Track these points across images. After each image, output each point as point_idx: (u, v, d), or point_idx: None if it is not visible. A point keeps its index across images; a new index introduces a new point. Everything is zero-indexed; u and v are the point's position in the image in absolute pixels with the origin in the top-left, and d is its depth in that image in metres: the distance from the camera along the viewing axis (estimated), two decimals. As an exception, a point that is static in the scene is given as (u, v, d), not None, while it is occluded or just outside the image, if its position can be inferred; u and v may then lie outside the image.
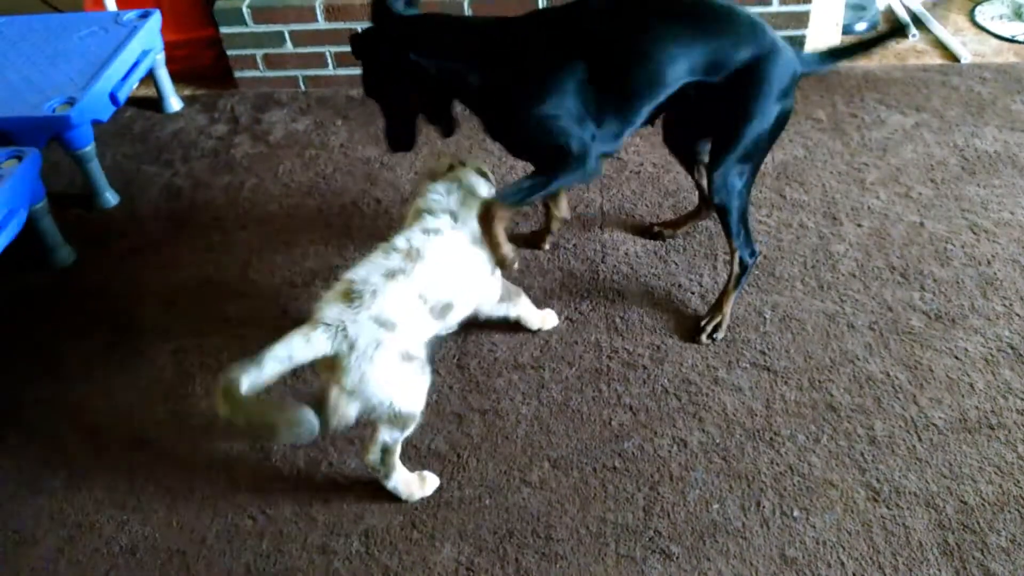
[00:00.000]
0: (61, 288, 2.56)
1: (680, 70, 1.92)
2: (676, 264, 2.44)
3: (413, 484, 1.93)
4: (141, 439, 2.12)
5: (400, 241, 1.86)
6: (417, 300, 1.81)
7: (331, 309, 1.72)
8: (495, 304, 2.13)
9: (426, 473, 1.96)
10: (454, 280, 1.91)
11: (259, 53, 3.27)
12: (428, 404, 2.08)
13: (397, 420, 1.77)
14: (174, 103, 3.29)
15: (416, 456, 2.01)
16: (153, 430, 2.14)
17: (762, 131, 2.00)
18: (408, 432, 1.82)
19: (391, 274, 1.79)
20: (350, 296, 1.73)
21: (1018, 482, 1.87)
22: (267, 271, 2.54)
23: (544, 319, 2.28)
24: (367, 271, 1.80)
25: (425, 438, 2.04)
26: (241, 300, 2.45)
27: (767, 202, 2.60)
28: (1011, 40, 3.29)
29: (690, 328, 2.24)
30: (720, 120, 2.02)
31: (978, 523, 1.81)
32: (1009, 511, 1.82)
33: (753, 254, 2.20)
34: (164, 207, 2.84)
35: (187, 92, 3.39)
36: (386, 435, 1.80)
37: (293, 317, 2.24)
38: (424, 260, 1.84)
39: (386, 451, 1.83)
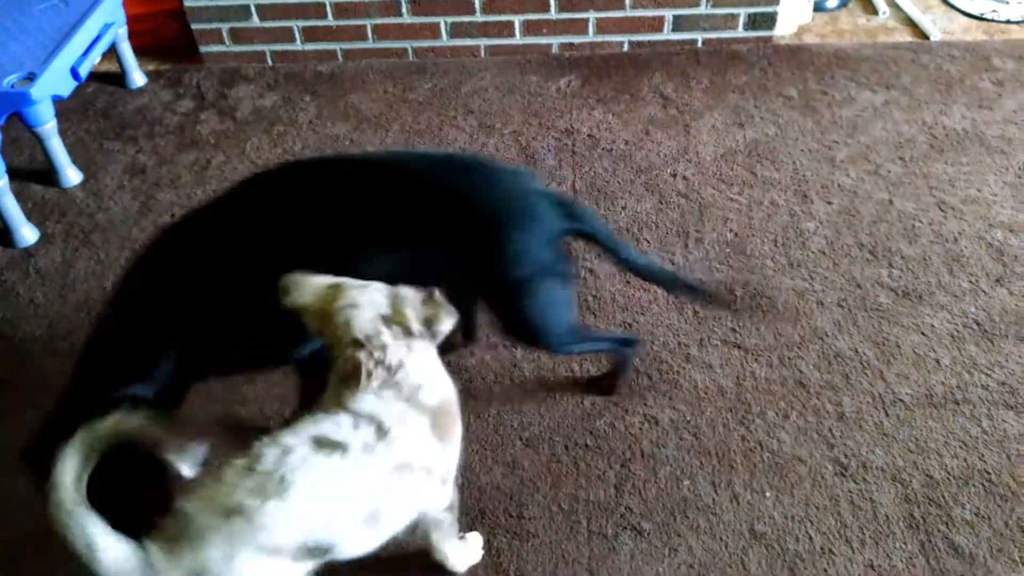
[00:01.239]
0: (23, 268, 2.50)
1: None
2: (648, 242, 2.44)
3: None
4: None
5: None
6: None
7: None
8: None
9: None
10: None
11: (225, 27, 3.20)
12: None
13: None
14: (137, 78, 3.21)
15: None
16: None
17: (533, 306, 1.73)
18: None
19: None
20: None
21: (982, 456, 1.90)
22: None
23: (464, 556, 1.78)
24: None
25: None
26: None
27: (738, 180, 2.60)
28: (980, 18, 3.31)
29: (664, 306, 2.25)
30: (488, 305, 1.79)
31: (943, 497, 1.84)
32: (973, 485, 1.86)
33: (628, 343, 2.01)
34: (128, 185, 2.78)
35: (151, 67, 3.31)
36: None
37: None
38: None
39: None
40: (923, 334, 2.15)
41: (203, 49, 3.27)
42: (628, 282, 2.31)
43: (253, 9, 3.15)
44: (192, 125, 3.01)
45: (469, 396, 2.08)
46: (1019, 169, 2.59)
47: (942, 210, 2.47)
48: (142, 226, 2.61)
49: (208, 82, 3.21)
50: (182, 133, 2.98)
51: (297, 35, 3.21)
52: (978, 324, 2.17)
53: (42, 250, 2.57)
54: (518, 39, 3.18)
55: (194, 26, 3.21)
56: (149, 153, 2.90)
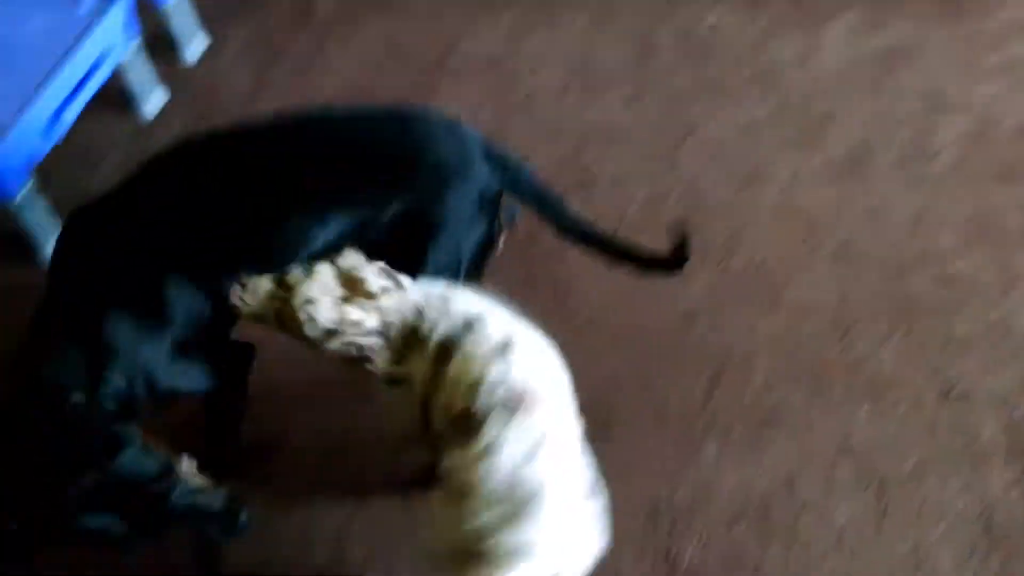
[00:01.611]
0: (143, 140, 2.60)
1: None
2: (760, 151, 2.34)
3: None
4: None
5: None
6: None
7: None
8: None
9: None
10: None
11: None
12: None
13: None
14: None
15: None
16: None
17: (450, 263, 1.60)
18: None
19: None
20: None
21: (1101, 394, 1.81)
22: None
23: None
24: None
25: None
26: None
27: (867, 87, 2.44)
28: None
29: (773, 216, 2.18)
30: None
31: (1051, 429, 1.77)
32: (1086, 420, 1.78)
33: None
34: (247, 62, 2.83)
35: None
36: None
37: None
38: None
39: None
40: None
41: None
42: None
43: None
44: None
45: (566, 289, 2.07)
46: None
47: (1092, 130, 2.28)
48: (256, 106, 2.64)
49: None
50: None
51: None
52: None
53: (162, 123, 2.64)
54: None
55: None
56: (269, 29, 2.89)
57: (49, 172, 2.26)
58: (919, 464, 1.75)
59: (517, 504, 1.27)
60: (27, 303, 1.57)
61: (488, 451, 1.28)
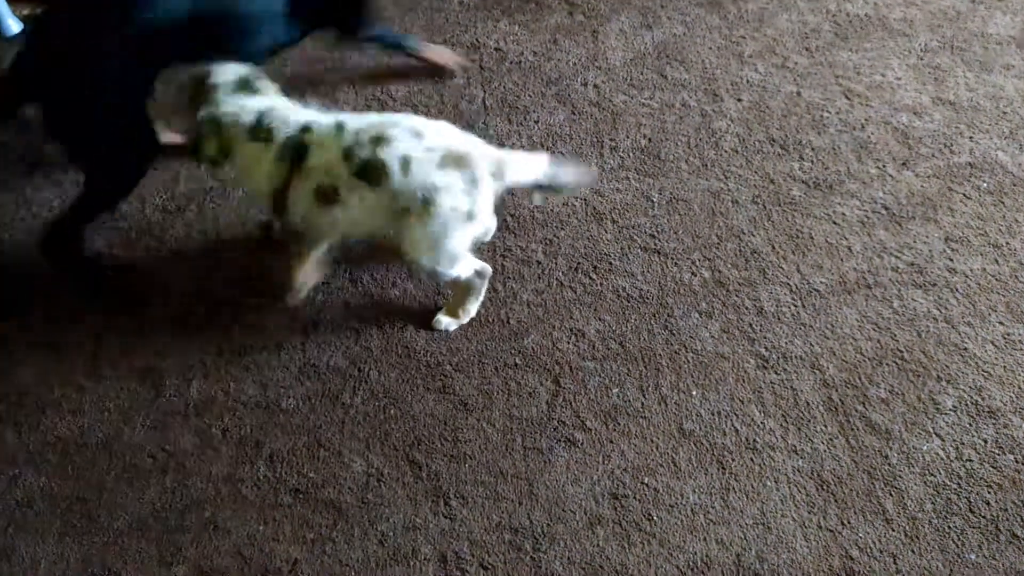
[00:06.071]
0: None
1: None
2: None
3: None
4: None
5: None
6: None
7: None
8: None
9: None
10: None
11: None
12: (321, 324, 2.05)
13: None
14: (12, 25, 3.00)
15: (315, 373, 1.98)
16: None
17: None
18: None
19: None
20: None
21: (894, 336, 1.98)
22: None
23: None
24: None
25: (323, 355, 2.01)
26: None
27: (649, 84, 2.58)
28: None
29: (584, 219, 2.24)
30: None
31: (859, 379, 1.91)
32: (887, 364, 1.93)
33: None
34: (14, 145, 2.62)
35: (26, 11, 3.09)
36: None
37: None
38: None
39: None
40: (835, 223, 2.20)
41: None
42: (546, 199, 2.30)
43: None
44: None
45: (394, 326, 2.06)
46: (921, 51, 2.63)
47: (848, 98, 2.50)
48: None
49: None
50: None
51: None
52: (886, 208, 2.22)
53: None
54: (415, -48, 3.05)
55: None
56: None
57: None
58: (751, 433, 1.84)
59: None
60: None
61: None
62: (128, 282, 2.16)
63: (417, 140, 1.81)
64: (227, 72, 1.94)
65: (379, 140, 1.80)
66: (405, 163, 1.79)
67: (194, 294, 2.13)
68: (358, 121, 1.87)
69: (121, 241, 2.25)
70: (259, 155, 1.87)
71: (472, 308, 2.04)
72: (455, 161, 1.81)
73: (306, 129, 1.86)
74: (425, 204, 1.80)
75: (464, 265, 1.93)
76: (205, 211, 2.30)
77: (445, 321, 2.05)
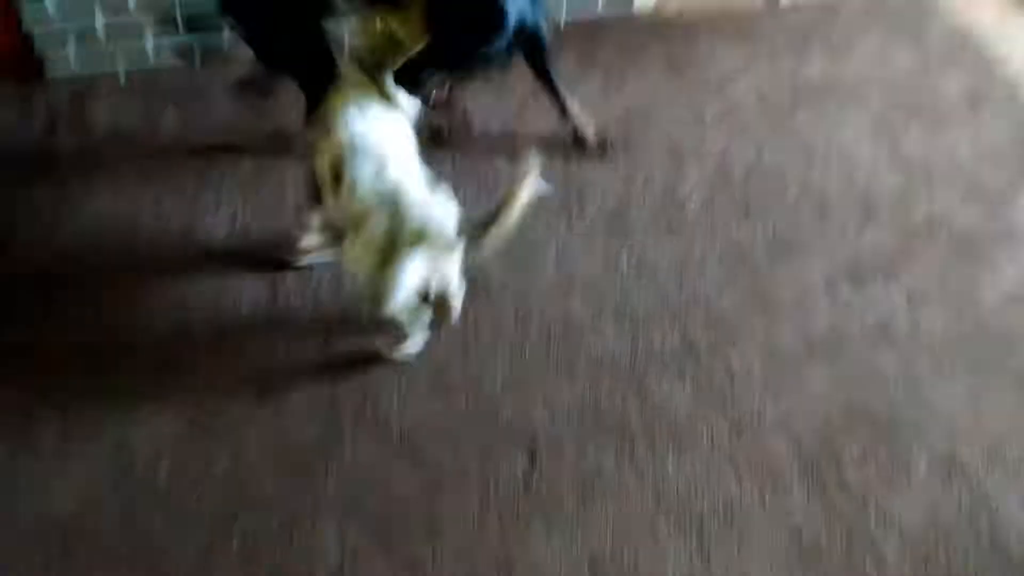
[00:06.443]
0: None
1: None
2: (531, 221, 2.43)
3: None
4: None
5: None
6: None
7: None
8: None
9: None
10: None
11: (72, 38, 3.01)
12: (293, 397, 2.03)
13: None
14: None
15: (284, 452, 1.95)
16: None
17: None
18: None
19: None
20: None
21: (864, 395, 2.00)
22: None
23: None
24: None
25: (296, 427, 1.99)
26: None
27: (614, 151, 2.62)
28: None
29: (554, 283, 2.26)
30: None
31: (832, 439, 1.93)
32: (858, 423, 1.96)
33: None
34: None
35: (-8, 89, 3.09)
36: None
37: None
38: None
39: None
40: (800, 283, 2.24)
41: (48, 64, 3.07)
42: (510, 264, 2.31)
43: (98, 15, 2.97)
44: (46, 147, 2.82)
45: (369, 399, 2.04)
46: (875, 113, 2.71)
47: (808, 161, 2.56)
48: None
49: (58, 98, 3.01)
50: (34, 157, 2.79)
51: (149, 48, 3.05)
52: (849, 268, 2.27)
53: None
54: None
55: (37, 37, 3.01)
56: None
57: None
58: (728, 499, 1.84)
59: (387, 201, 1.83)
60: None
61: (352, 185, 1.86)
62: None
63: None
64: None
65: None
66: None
67: (163, 362, 2.11)
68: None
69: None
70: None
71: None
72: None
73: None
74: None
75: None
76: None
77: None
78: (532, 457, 1.93)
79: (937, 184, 2.47)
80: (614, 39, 3.03)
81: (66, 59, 2.94)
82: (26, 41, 2.98)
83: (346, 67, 2.08)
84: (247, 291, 2.25)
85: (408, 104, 2.10)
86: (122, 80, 2.87)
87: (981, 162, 2.53)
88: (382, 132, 1.96)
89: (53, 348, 2.15)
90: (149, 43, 2.92)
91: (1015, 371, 2.03)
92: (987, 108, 2.71)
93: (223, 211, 2.47)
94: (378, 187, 1.85)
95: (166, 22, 2.67)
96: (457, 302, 2.09)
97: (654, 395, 2.03)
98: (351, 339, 2.16)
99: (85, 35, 2.92)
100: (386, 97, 2.05)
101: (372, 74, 2.05)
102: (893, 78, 2.84)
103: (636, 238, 2.37)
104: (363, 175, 1.86)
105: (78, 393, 2.05)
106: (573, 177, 2.54)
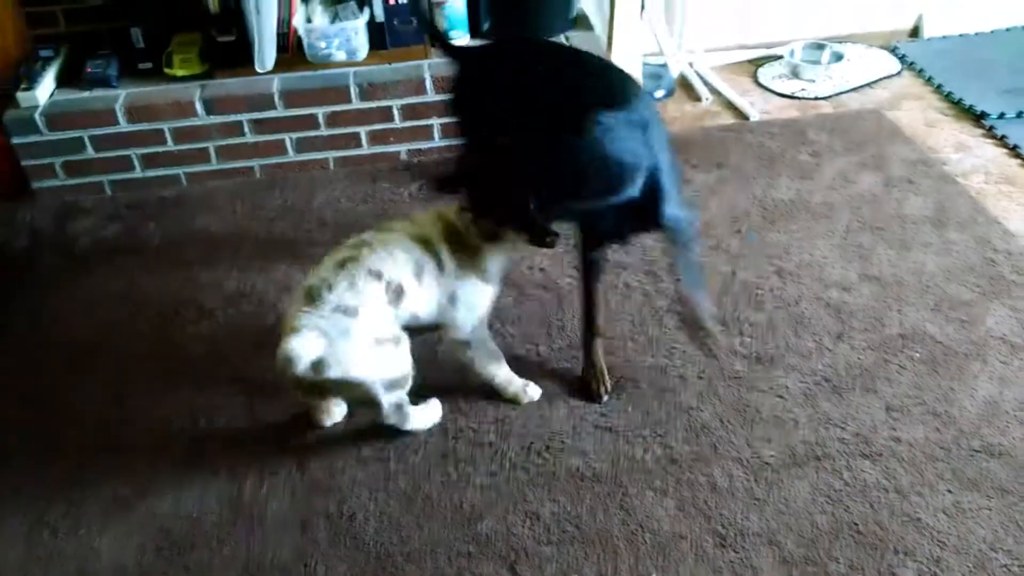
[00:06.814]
0: None
1: None
2: (512, 336, 2.46)
3: (425, 415, 2.17)
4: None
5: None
6: (370, 278, 1.93)
7: (300, 316, 1.88)
8: (464, 339, 2.13)
9: (430, 401, 2.19)
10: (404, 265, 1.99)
11: (58, 161, 3.09)
12: (267, 515, 1.99)
13: (393, 386, 2.00)
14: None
15: (258, 572, 1.88)
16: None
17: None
18: (408, 386, 2.04)
19: (341, 263, 1.95)
20: (312, 298, 1.90)
21: (848, 508, 1.98)
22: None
23: (525, 390, 2.26)
24: (321, 270, 1.97)
25: (267, 550, 1.92)
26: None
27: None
28: (791, 96, 3.62)
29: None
30: None
31: (817, 554, 1.89)
32: (843, 537, 1.92)
33: None
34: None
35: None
36: (391, 398, 2.02)
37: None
38: (372, 245, 1.99)
39: (399, 406, 2.06)
40: (779, 396, 2.25)
41: (35, 185, 3.14)
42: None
43: (87, 140, 3.06)
44: (28, 263, 2.85)
45: (343, 517, 2.00)
46: (844, 232, 2.80)
47: (781, 276, 2.63)
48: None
49: (43, 218, 3.07)
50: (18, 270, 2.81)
51: (136, 163, 3.13)
52: (827, 380, 2.29)
53: None
54: (365, 149, 3.22)
55: (25, 163, 3.09)
56: (-20, 298, 2.72)
57: None
58: (715, 617, 1.78)
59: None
60: None
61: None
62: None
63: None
64: None
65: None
66: None
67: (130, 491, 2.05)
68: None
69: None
70: None
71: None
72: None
73: None
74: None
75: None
76: (149, 401, 2.26)
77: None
78: (513, 573, 1.87)
79: (907, 300, 2.53)
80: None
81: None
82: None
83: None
84: (224, 407, 2.23)
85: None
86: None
87: (949, 278, 2.60)
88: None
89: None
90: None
91: (996, 482, 2.02)
92: (951, 226, 2.81)
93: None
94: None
95: None
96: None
97: (637, 508, 1.99)
98: (323, 456, 2.14)
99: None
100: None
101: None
102: (858, 199, 2.95)
103: (616, 351, 2.38)
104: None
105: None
106: (550, 292, 2.59)
